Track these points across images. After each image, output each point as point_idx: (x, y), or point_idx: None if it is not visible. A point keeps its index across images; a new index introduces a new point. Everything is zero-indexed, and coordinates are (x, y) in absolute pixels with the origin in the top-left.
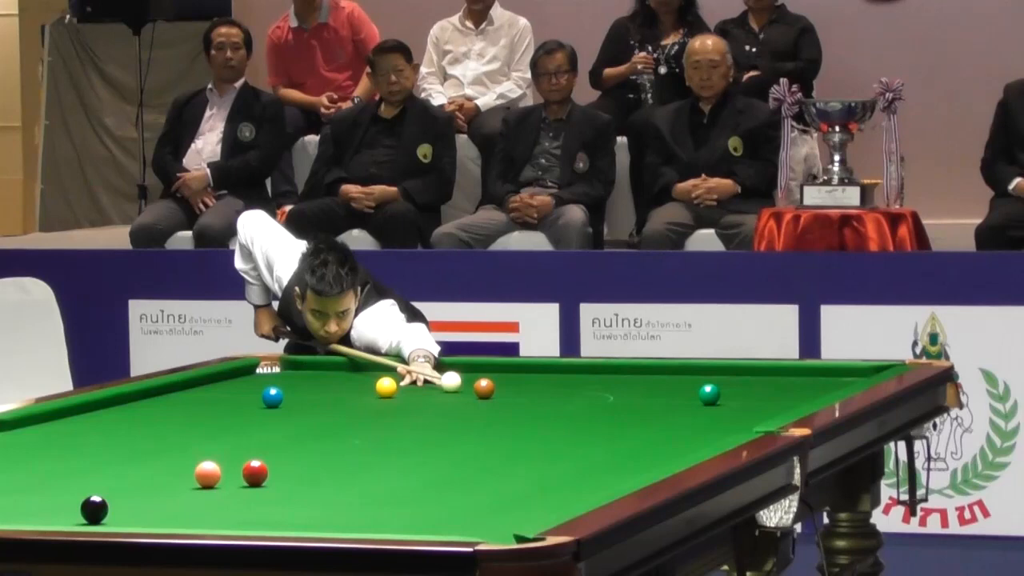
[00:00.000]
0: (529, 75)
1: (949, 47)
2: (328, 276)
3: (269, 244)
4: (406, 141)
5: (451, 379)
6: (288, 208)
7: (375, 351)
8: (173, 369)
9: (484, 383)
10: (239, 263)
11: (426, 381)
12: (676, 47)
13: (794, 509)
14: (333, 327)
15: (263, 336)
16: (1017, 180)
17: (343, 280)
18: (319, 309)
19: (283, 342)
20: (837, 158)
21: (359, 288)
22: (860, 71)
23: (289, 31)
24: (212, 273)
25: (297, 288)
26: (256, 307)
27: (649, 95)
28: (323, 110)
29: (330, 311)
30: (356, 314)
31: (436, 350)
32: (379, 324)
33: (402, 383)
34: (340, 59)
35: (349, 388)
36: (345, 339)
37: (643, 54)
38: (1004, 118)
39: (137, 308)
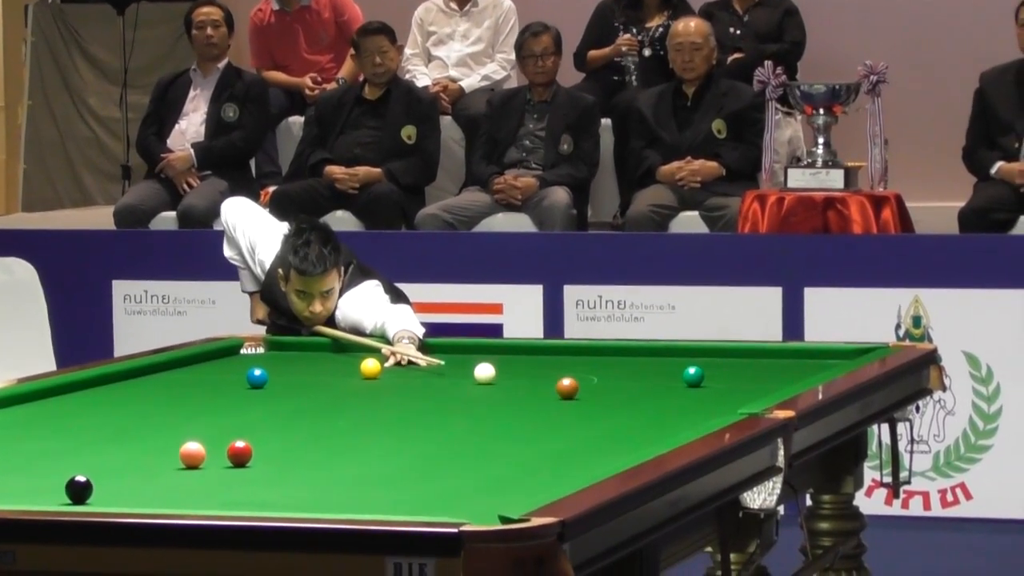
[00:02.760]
0: (513, 57)
1: (933, 30)
2: (311, 256)
3: (251, 228)
4: (390, 122)
5: (484, 371)
6: (272, 189)
7: (360, 332)
8: (157, 349)
9: (567, 382)
10: (227, 251)
11: (410, 362)
12: (660, 29)
13: (778, 491)
14: (317, 307)
15: (258, 322)
16: (999, 164)
17: (326, 259)
18: (303, 289)
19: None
20: (821, 141)
21: (343, 268)
22: (844, 54)
23: (271, 14)
24: (196, 254)
25: (280, 269)
26: (250, 294)
27: (634, 77)
28: (307, 92)
29: (314, 291)
30: (340, 295)
31: (420, 331)
32: (364, 305)
33: (386, 364)
34: (323, 42)
35: (333, 369)
36: (330, 320)
37: (627, 36)
38: (981, 105)
39: (121, 288)
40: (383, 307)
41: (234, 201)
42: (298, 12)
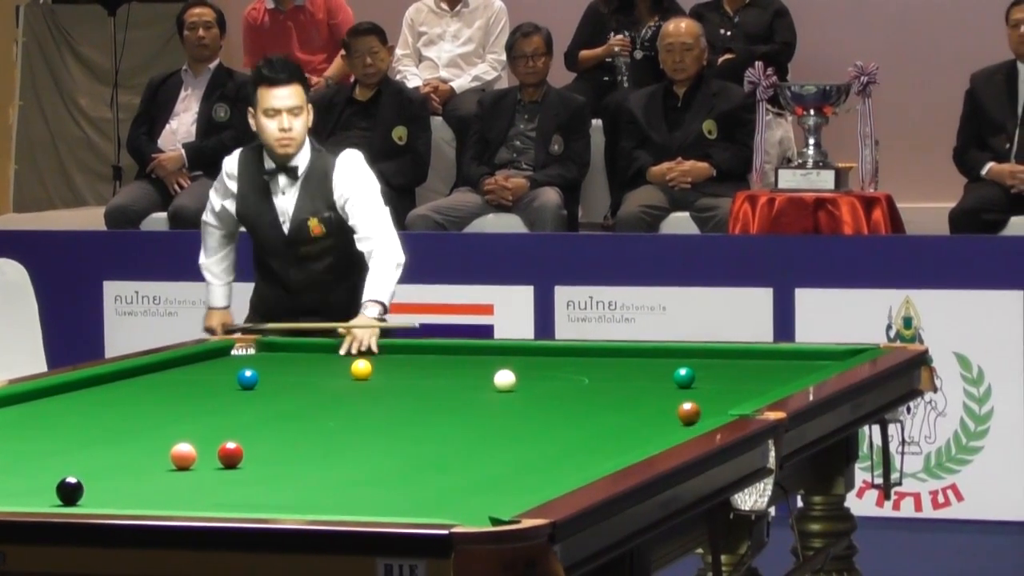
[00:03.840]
0: (504, 57)
1: (924, 30)
2: (275, 62)
3: (211, 192)
4: (381, 123)
5: (504, 377)
6: None
7: (346, 217)
8: (148, 350)
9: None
10: (201, 257)
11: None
12: (651, 30)
13: (769, 492)
14: (286, 122)
15: (207, 330)
16: (990, 164)
17: (290, 67)
18: (269, 107)
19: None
20: (812, 141)
21: (310, 107)
22: (835, 55)
23: (265, 12)
24: (187, 254)
25: (249, 108)
26: (211, 309)
27: (625, 78)
28: None
29: (281, 105)
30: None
31: (389, 293)
32: (366, 200)
33: (340, 351)
34: (315, 42)
35: (324, 370)
36: (323, 187)
37: (619, 37)
38: (972, 106)
39: (112, 289)
40: (379, 237)
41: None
42: (292, 11)
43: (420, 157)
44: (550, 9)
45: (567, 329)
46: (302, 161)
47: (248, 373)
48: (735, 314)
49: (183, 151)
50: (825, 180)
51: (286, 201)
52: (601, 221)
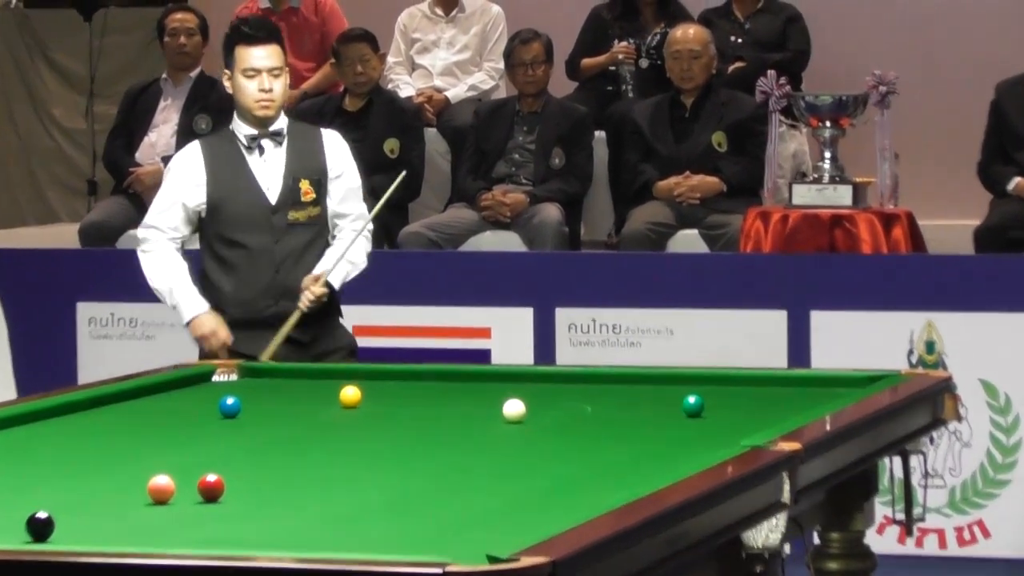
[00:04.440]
0: (502, 65)
1: (945, 36)
2: (254, 20)
3: (163, 193)
4: (372, 135)
5: (514, 407)
6: None
7: (330, 193)
8: (124, 376)
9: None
10: (153, 277)
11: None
12: (657, 37)
13: (783, 528)
14: (267, 82)
15: (209, 351)
16: (1016, 180)
17: (269, 26)
18: (249, 67)
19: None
20: (828, 155)
21: (287, 70)
22: (851, 63)
23: (259, 12)
24: None
25: (225, 71)
26: (198, 317)
27: (629, 87)
28: None
29: (260, 65)
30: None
31: (340, 284)
32: (357, 187)
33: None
34: (306, 48)
35: (311, 397)
36: (314, 162)
37: (623, 44)
38: (997, 118)
39: (86, 311)
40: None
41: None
42: (286, 13)
43: (413, 170)
44: (550, 15)
45: (569, 354)
46: (282, 125)
47: (230, 401)
48: (747, 338)
49: (162, 165)
50: (842, 196)
51: (270, 167)
52: (605, 239)
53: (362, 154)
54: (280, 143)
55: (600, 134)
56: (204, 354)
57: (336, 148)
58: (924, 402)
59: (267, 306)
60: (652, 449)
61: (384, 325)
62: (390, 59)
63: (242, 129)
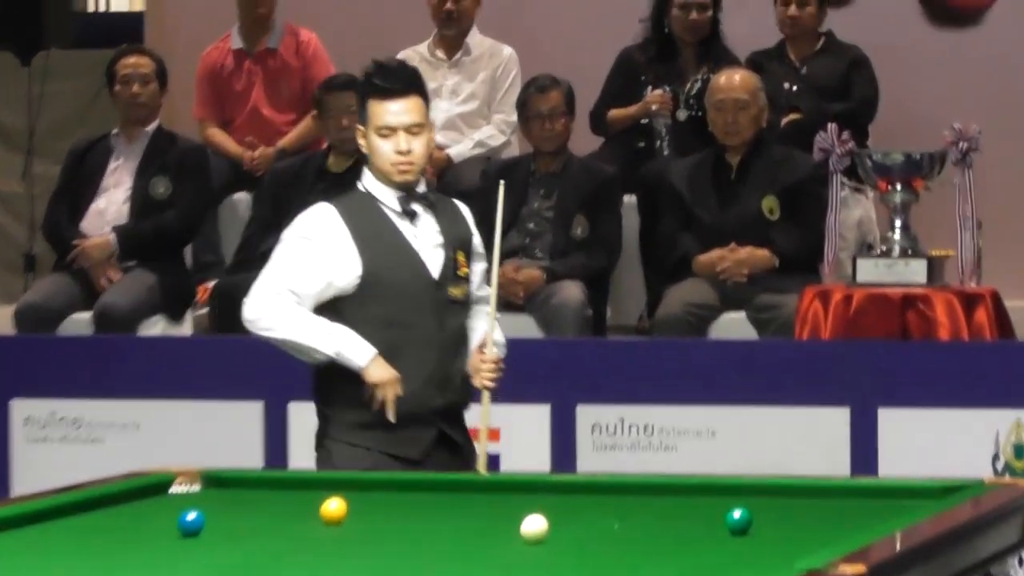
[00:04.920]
0: (515, 118)
1: None
2: (390, 67)
3: (297, 259)
4: None
5: (534, 524)
6: (212, 284)
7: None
8: (66, 487)
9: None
10: (297, 330)
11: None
12: (698, 84)
13: None
14: (404, 143)
15: (390, 398)
16: None
17: (408, 74)
18: (384, 124)
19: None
20: (898, 223)
21: (434, 122)
22: (927, 114)
23: (229, 53)
24: (116, 365)
25: (359, 127)
26: (371, 360)
27: (665, 143)
28: (247, 162)
29: (397, 123)
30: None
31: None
32: (482, 256)
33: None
34: (284, 96)
35: (286, 511)
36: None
37: (658, 92)
38: None
39: (22, 409)
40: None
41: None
42: (261, 55)
43: None
44: (572, 58)
45: (592, 459)
46: (424, 187)
47: (192, 516)
48: (803, 440)
49: (113, 236)
50: (915, 272)
51: (424, 235)
52: (635, 323)
53: None
54: (430, 208)
55: (630, 198)
56: (376, 404)
57: (471, 220)
58: (1012, 517)
59: (432, 397)
60: (691, 573)
61: None
62: None
63: (383, 191)
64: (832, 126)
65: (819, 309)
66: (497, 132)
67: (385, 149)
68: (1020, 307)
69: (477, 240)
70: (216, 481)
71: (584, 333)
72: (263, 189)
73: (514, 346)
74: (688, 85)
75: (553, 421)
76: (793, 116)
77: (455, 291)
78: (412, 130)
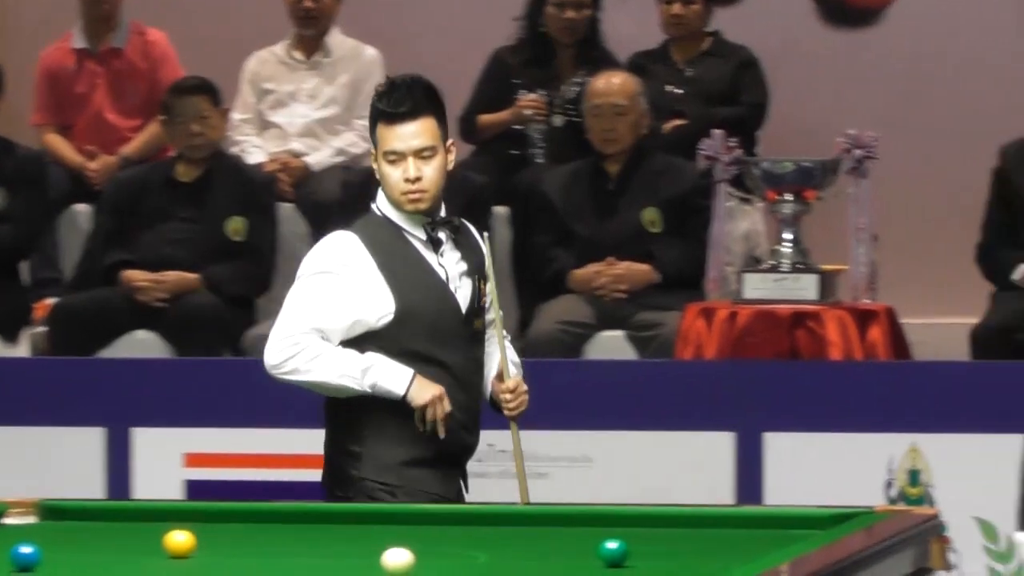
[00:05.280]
0: None
1: (937, 91)
2: (396, 93)
3: (320, 295)
4: (211, 212)
5: (396, 558)
6: (51, 302)
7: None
8: None
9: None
10: (332, 370)
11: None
12: (575, 89)
13: None
14: (412, 172)
15: (440, 415)
16: (1023, 267)
17: (415, 99)
18: (392, 149)
19: None
20: (788, 236)
21: (446, 134)
22: (820, 120)
23: (71, 53)
24: None
25: (371, 149)
26: (413, 382)
27: (539, 151)
28: (88, 172)
29: (404, 148)
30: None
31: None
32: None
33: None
34: (131, 100)
35: (128, 544)
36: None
37: (533, 96)
38: (1002, 189)
39: None
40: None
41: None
42: (105, 55)
43: (263, 257)
44: (441, 59)
45: None
46: (446, 212)
47: (26, 550)
48: (686, 467)
49: None
50: (805, 287)
51: (449, 264)
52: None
53: (198, 235)
54: (453, 233)
55: (502, 210)
56: (429, 425)
57: (485, 244)
58: (905, 547)
59: (463, 436)
60: None
61: (222, 452)
62: (235, 115)
63: (403, 217)
64: (718, 132)
65: (702, 327)
66: (358, 139)
67: (394, 177)
68: (916, 325)
69: (489, 264)
70: (53, 512)
71: None
72: (105, 200)
73: None
74: (564, 89)
75: None
76: (677, 122)
77: (478, 323)
78: (422, 154)
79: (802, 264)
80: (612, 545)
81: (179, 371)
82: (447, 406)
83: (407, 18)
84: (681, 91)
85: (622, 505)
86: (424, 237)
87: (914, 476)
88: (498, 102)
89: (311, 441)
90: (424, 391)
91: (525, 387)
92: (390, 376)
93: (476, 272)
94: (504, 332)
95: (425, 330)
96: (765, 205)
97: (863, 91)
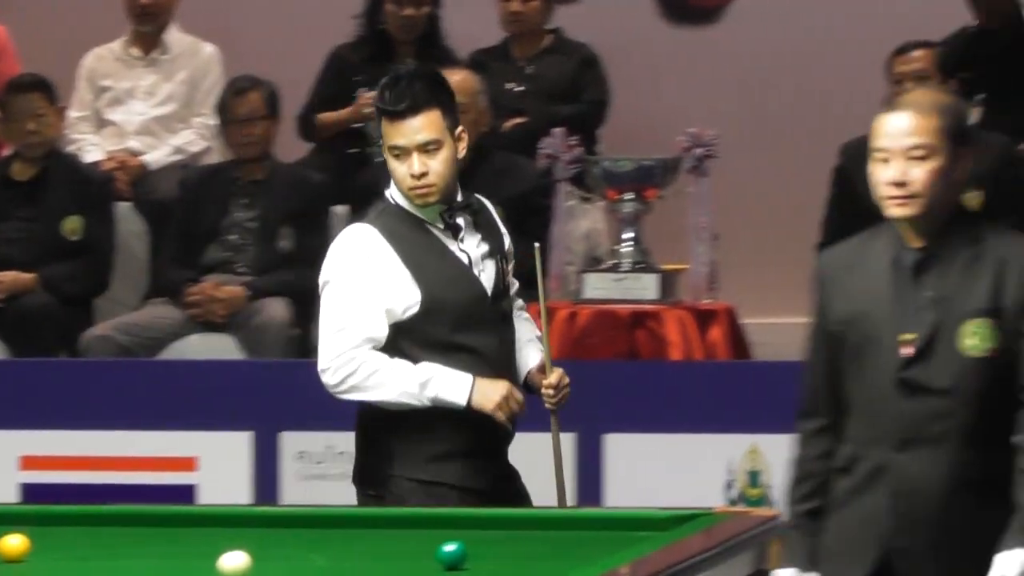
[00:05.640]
0: (216, 122)
1: (778, 88)
2: (397, 88)
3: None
4: (47, 211)
5: (233, 561)
6: None
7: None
8: None
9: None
10: (395, 387)
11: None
12: None
13: None
14: (417, 167)
15: (516, 410)
16: None
17: (415, 91)
18: (395, 144)
19: None
20: (628, 235)
21: (455, 122)
22: (662, 118)
23: None
24: None
25: (380, 139)
26: (474, 388)
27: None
28: None
29: (408, 142)
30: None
31: None
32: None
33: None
34: None
35: None
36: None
37: (371, 93)
38: (842, 187)
39: None
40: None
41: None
42: None
43: (100, 257)
44: (281, 57)
45: (298, 490)
46: (463, 196)
47: None
48: (523, 468)
49: None
50: (646, 287)
51: (471, 247)
52: None
53: (33, 235)
54: (472, 216)
55: (342, 209)
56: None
57: (504, 223)
58: (744, 548)
59: (501, 424)
60: None
61: (58, 455)
62: (72, 113)
63: (415, 206)
64: (559, 131)
65: (541, 328)
66: (196, 137)
67: (400, 172)
68: (757, 325)
69: (508, 240)
70: None
71: (290, 355)
72: None
73: (213, 369)
74: None
75: (255, 449)
76: (517, 120)
77: (507, 303)
78: (427, 148)
79: (642, 264)
80: (450, 548)
81: (15, 372)
82: (519, 396)
83: (246, 15)
84: (522, 89)
85: (458, 508)
86: (442, 225)
87: (754, 477)
88: (337, 100)
89: (149, 444)
90: (490, 394)
91: (567, 380)
92: (450, 386)
93: (498, 252)
94: (521, 302)
95: (453, 318)
96: (605, 204)
97: (704, 89)
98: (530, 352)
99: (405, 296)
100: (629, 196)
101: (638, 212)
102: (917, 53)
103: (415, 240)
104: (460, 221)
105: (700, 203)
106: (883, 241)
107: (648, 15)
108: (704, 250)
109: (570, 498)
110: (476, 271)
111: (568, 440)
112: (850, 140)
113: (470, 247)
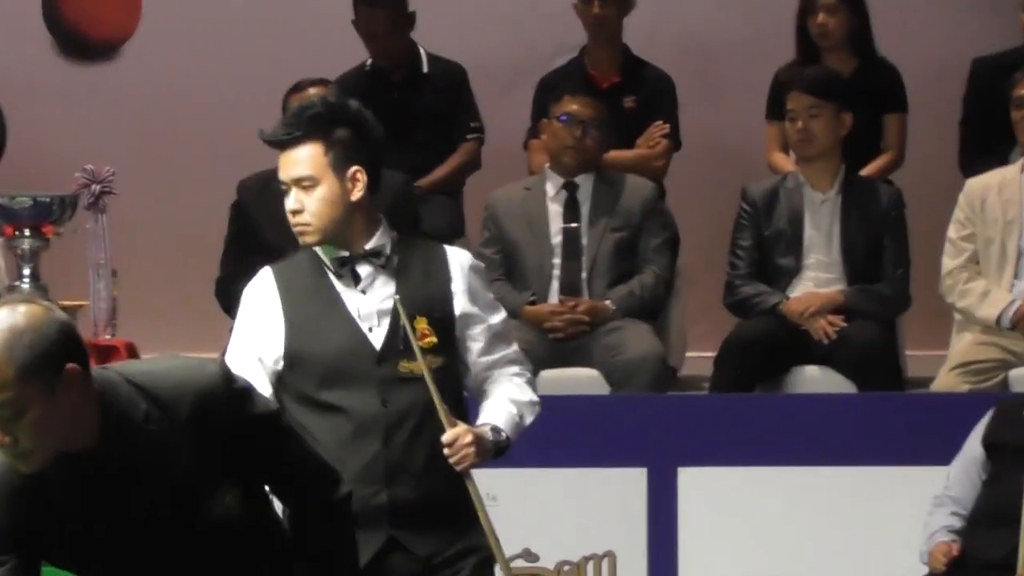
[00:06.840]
0: None
1: (179, 124)
2: (287, 116)
3: (234, 340)
4: None
5: None
6: None
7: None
8: None
9: None
10: None
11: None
12: None
13: None
14: (292, 204)
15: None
16: None
17: (299, 123)
18: (279, 176)
19: None
20: (27, 271)
21: (346, 160)
22: (61, 155)
23: None
24: None
25: None
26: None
27: None
28: None
29: (285, 177)
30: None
31: (513, 429)
32: (506, 329)
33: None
34: None
35: None
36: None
37: None
38: (240, 223)
39: None
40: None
41: None
42: None
43: None
44: None
45: None
46: (383, 241)
47: None
48: None
49: None
50: None
51: (372, 299)
52: None
53: None
54: (383, 266)
55: None
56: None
57: (466, 274)
58: None
59: (374, 493)
60: None
61: None
62: None
63: (322, 248)
64: None
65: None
66: None
67: (285, 208)
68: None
69: (475, 298)
70: None
71: None
72: None
73: None
74: None
75: None
76: None
77: (410, 365)
78: (302, 184)
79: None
80: None
81: None
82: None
83: None
84: None
85: None
86: (339, 273)
87: None
88: None
89: None
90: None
91: (469, 438)
92: None
93: (415, 309)
94: (517, 368)
95: (320, 373)
96: (3, 241)
97: (103, 126)
98: (489, 409)
99: (273, 347)
100: (27, 233)
101: (36, 249)
102: (312, 90)
103: (306, 287)
104: (361, 270)
105: (98, 239)
106: None
107: (44, 50)
108: (103, 286)
109: None
110: (365, 326)
111: None
112: (247, 176)
113: (371, 299)
